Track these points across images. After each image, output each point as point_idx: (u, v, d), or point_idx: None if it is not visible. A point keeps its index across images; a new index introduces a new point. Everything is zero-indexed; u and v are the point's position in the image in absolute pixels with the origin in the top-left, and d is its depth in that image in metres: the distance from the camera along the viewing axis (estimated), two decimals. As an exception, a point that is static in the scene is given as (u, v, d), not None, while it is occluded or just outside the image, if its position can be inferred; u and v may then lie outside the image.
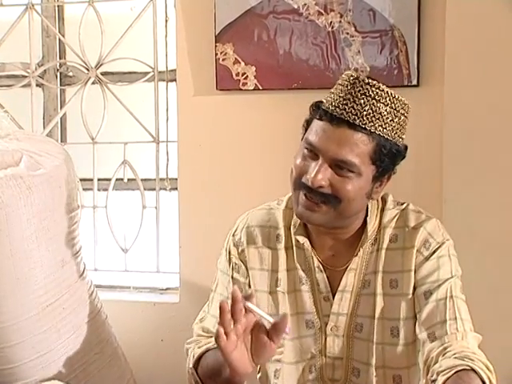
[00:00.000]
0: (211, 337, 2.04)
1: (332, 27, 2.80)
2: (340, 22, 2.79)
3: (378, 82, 1.90)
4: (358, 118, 1.87)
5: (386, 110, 1.90)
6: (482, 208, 2.63)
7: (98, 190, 3.36)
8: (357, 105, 1.88)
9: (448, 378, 1.76)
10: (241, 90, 2.95)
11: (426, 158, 2.72)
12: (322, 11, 2.81)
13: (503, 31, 2.58)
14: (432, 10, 2.69)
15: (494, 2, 2.57)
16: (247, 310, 1.68)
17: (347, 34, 2.79)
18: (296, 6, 2.83)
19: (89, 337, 2.69)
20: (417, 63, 2.73)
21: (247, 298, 1.68)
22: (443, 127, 2.67)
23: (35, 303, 2.53)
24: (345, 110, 1.88)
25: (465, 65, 2.61)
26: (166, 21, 3.20)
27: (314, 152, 1.90)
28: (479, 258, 2.56)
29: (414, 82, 2.72)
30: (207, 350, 1.98)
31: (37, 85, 3.42)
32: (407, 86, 2.70)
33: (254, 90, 2.93)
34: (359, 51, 2.77)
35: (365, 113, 1.87)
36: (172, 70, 3.18)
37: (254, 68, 2.92)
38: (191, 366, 2.00)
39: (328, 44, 2.82)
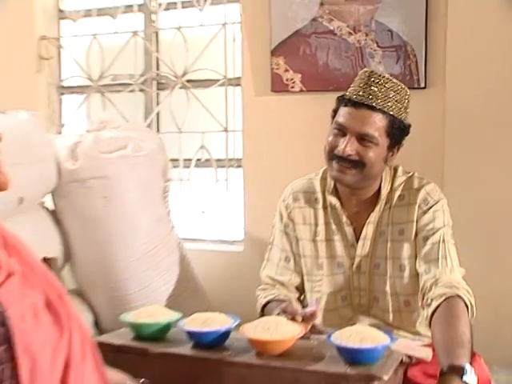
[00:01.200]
0: (275, 285, 2.19)
1: (359, 44, 2.82)
2: (365, 39, 2.81)
3: (387, 75, 2.04)
4: (375, 101, 1.97)
5: (394, 95, 2.00)
6: (476, 187, 2.64)
7: (183, 167, 3.40)
8: (373, 91, 1.98)
9: (440, 303, 1.87)
10: (290, 91, 2.98)
11: (431, 145, 2.72)
12: (352, 32, 2.83)
13: (493, 44, 2.59)
14: (436, 30, 2.69)
15: (488, 22, 2.59)
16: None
17: (371, 48, 2.81)
18: (332, 28, 2.85)
19: (178, 275, 2.75)
20: (424, 71, 2.73)
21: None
22: (445, 120, 2.68)
23: (140, 249, 2.63)
24: (364, 96, 1.98)
25: (462, 72, 2.64)
26: (234, 40, 3.23)
27: (342, 130, 2.00)
28: (473, 216, 2.58)
29: (422, 85, 2.73)
30: (269, 302, 2.11)
31: (139, 90, 3.48)
32: (417, 88, 2.69)
33: (299, 91, 2.96)
34: (380, 62, 2.79)
35: (379, 97, 1.98)
36: (238, 78, 3.21)
37: (299, 75, 2.94)
38: (259, 311, 2.14)
39: (356, 56, 2.84)
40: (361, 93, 1.99)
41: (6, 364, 1.08)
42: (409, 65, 2.76)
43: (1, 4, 3.50)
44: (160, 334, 1.80)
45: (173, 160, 3.15)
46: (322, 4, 2.88)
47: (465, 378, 1.63)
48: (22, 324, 1.14)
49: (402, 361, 1.68)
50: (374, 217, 2.11)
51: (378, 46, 2.81)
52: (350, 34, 2.85)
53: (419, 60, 2.74)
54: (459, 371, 1.64)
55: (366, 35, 2.82)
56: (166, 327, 1.81)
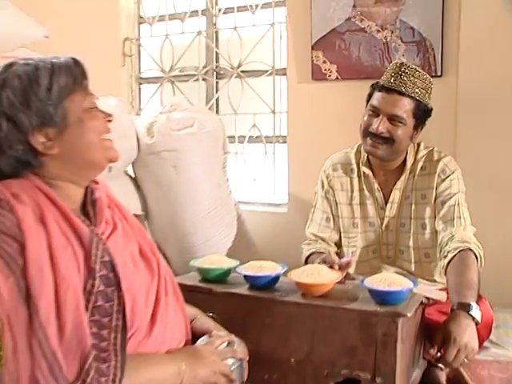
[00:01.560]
0: (317, 240, 2.21)
1: (386, 39, 2.79)
2: (391, 36, 2.77)
3: (414, 66, 2.03)
4: (404, 88, 1.97)
5: (420, 83, 1.99)
6: (484, 158, 2.59)
7: (238, 142, 3.40)
8: (403, 79, 1.97)
9: (454, 255, 1.89)
10: (327, 79, 2.95)
11: (446, 122, 2.64)
12: (380, 29, 2.80)
13: (497, 40, 2.54)
14: (450, 28, 2.65)
15: (494, 22, 2.53)
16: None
17: (396, 43, 2.77)
18: (363, 26, 2.83)
19: (235, 230, 2.79)
20: (440, 62, 2.69)
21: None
22: (458, 103, 2.65)
23: (203, 209, 2.67)
24: (395, 83, 1.98)
25: (472, 62, 2.60)
26: (280, 37, 3.22)
27: (376, 112, 2.01)
28: (481, 181, 2.55)
29: (439, 74, 2.69)
30: (312, 254, 2.13)
31: (202, 79, 3.48)
32: (434, 76, 2.61)
33: (335, 79, 2.93)
34: (403, 55, 2.75)
35: (408, 84, 1.97)
36: (284, 68, 3.19)
37: (335, 66, 2.91)
38: (303, 261, 2.14)
39: (383, 50, 2.80)
40: (392, 80, 1.99)
41: (115, 301, 1.15)
42: (427, 57, 2.72)
43: (93, 13, 3.53)
44: (222, 277, 1.83)
45: (229, 137, 3.15)
46: (354, 6, 2.85)
47: (471, 312, 1.67)
48: (124, 269, 1.21)
49: (421, 302, 1.70)
50: (400, 184, 2.11)
51: (402, 42, 2.77)
52: (378, 31, 2.82)
53: (436, 53, 2.70)
54: (466, 307, 1.69)
55: (392, 32, 2.79)
56: (227, 272, 1.84)
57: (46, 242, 1.12)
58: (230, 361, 1.32)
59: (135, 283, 1.23)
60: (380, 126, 1.98)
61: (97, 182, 1.34)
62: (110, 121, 1.29)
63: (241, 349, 1.38)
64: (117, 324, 1.14)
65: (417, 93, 1.98)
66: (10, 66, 1.21)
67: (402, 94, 1.97)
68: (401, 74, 1.98)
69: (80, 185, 1.27)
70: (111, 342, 1.12)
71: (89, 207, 1.28)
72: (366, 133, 2.03)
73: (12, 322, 1.05)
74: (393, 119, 1.98)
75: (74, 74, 1.23)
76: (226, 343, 1.35)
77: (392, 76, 2.00)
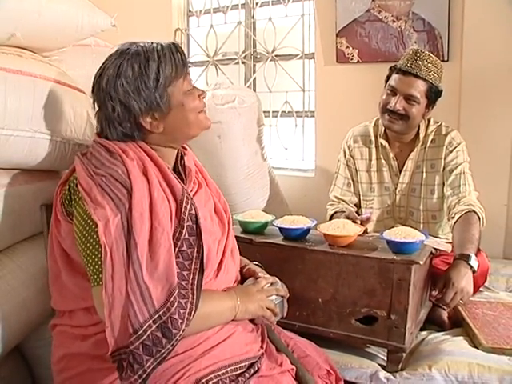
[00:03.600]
0: (339, 202, 2.21)
1: (400, 29, 2.75)
2: (405, 26, 2.73)
3: (428, 52, 2.01)
4: (419, 71, 1.95)
5: (432, 68, 1.97)
6: (483, 131, 2.55)
7: (272, 116, 3.36)
8: (418, 64, 1.95)
9: (460, 216, 1.91)
10: (350, 62, 2.92)
11: (451, 101, 2.54)
12: (395, 20, 2.76)
13: (495, 32, 2.50)
14: (456, 19, 2.60)
15: (494, 15, 2.48)
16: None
17: (409, 32, 2.73)
18: (381, 17, 2.79)
19: (269, 191, 2.80)
20: (447, 48, 2.65)
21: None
22: (461, 84, 2.61)
23: (242, 173, 2.68)
24: (411, 67, 1.96)
25: (474, 49, 2.56)
26: (309, 26, 3.18)
27: (393, 91, 1.99)
28: (482, 154, 2.48)
29: (446, 59, 2.64)
30: (335, 213, 2.14)
31: (242, 62, 3.46)
32: (441, 60, 2.37)
33: (357, 62, 2.90)
34: (415, 42, 2.72)
35: (422, 68, 1.95)
36: (312, 53, 3.15)
37: (357, 50, 2.89)
38: (328, 219, 2.14)
39: (398, 38, 2.77)
40: (409, 64, 1.97)
41: (195, 248, 1.19)
42: (436, 44, 2.68)
43: (149, 7, 3.52)
44: (260, 229, 1.83)
45: (265, 111, 3.12)
46: (373, 0, 2.82)
47: (470, 262, 1.72)
48: (204, 223, 1.24)
49: (431, 252, 1.72)
50: (413, 155, 2.10)
51: (414, 30, 2.74)
52: (394, 21, 2.78)
53: (443, 41, 2.67)
54: (466, 257, 1.73)
55: (405, 22, 2.75)
56: (265, 225, 1.84)
57: (148, 193, 1.15)
58: (274, 297, 1.35)
59: (211, 236, 1.27)
60: (397, 104, 1.96)
61: (185, 149, 1.38)
62: (204, 97, 1.30)
63: (282, 288, 1.40)
64: (195, 267, 1.17)
65: (430, 76, 1.96)
66: (123, 52, 1.22)
67: (416, 76, 1.95)
68: (416, 59, 1.95)
69: (175, 148, 1.32)
70: (190, 282, 1.15)
71: (180, 169, 1.33)
72: (385, 109, 2.01)
73: (113, 252, 1.09)
74: (408, 98, 1.96)
75: (176, 62, 1.23)
76: (270, 283, 1.38)
77: (408, 60, 1.97)
